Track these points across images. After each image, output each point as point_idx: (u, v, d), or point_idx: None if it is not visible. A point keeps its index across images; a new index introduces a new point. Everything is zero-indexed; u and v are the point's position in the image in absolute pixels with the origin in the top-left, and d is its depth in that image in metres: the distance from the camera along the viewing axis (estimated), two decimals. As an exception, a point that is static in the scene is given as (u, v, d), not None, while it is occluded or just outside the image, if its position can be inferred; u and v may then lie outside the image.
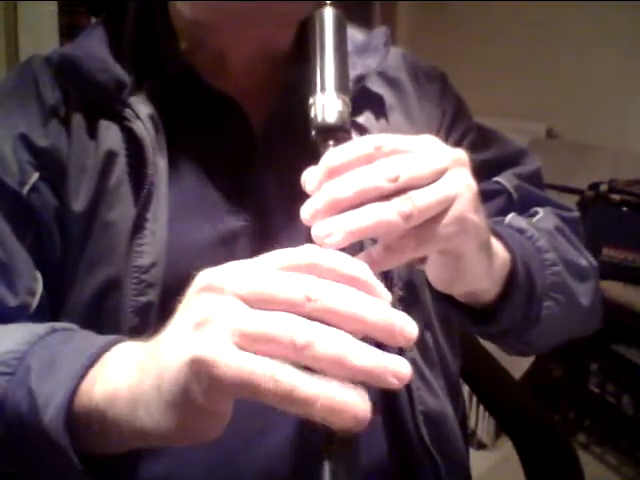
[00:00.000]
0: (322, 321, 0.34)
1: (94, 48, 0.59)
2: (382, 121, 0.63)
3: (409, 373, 0.33)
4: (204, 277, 0.36)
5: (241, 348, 0.34)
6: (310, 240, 0.38)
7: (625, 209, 1.81)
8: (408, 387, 0.58)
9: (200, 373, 0.34)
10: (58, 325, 0.50)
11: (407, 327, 0.34)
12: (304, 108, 0.48)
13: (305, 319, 0.33)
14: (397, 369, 0.33)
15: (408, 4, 2.94)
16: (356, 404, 0.32)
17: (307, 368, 0.33)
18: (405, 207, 0.38)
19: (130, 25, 0.61)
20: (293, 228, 0.55)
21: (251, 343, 0.33)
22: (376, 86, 0.64)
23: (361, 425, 0.32)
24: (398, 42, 2.77)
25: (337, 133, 0.45)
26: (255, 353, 0.33)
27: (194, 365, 0.34)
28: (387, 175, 0.39)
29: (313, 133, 0.46)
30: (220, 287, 0.35)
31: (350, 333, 0.34)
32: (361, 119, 0.61)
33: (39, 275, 0.56)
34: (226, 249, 0.56)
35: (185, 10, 0.59)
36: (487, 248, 0.48)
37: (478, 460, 1.81)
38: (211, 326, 0.34)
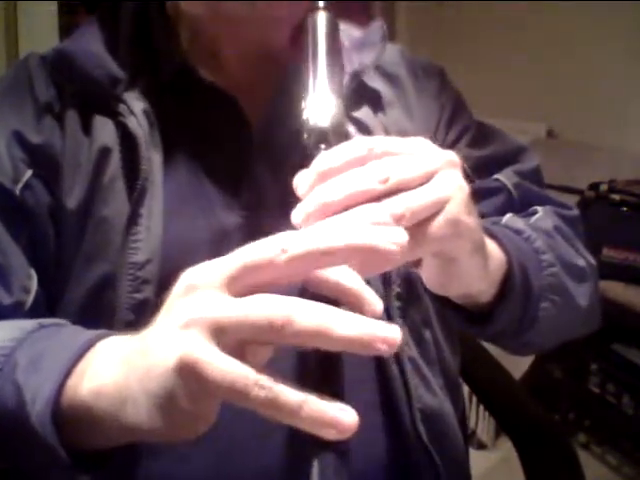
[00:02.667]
0: (308, 268, 0.34)
1: (89, 44, 0.59)
2: (380, 115, 0.63)
3: (399, 338, 0.33)
4: (186, 278, 0.36)
5: (228, 341, 0.34)
6: None
7: (625, 209, 1.80)
8: (406, 385, 0.58)
9: (187, 375, 0.34)
10: (46, 321, 0.50)
11: (393, 237, 0.34)
12: (300, 104, 0.48)
13: (281, 298, 0.33)
14: (386, 334, 0.32)
15: (407, 4, 2.94)
16: (340, 414, 0.32)
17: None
18: (397, 209, 0.38)
19: (126, 22, 0.61)
20: (289, 224, 0.55)
21: (234, 333, 0.33)
22: (374, 81, 0.64)
23: (346, 435, 0.32)
24: (397, 41, 2.77)
25: (329, 136, 0.46)
26: (246, 343, 0.34)
27: (181, 367, 0.34)
28: (378, 177, 0.39)
29: (305, 136, 0.46)
30: (201, 285, 0.35)
31: (344, 263, 0.34)
32: (359, 114, 0.61)
33: (34, 273, 0.56)
34: (221, 245, 0.56)
35: (186, 7, 0.59)
36: (481, 250, 0.48)
37: (478, 460, 1.80)
38: (195, 328, 0.34)
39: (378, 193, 0.39)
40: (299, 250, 0.33)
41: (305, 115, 0.47)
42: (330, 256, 0.34)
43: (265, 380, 0.32)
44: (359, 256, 0.34)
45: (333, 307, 0.33)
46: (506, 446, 1.80)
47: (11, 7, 1.82)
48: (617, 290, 1.72)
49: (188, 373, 0.34)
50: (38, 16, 1.86)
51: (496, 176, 0.69)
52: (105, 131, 0.57)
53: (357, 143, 0.41)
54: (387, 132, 0.62)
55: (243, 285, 0.34)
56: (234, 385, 0.33)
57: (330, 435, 0.32)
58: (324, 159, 0.40)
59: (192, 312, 0.35)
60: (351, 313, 0.33)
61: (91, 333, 0.45)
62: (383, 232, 0.34)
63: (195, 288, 0.35)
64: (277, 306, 0.33)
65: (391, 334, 0.32)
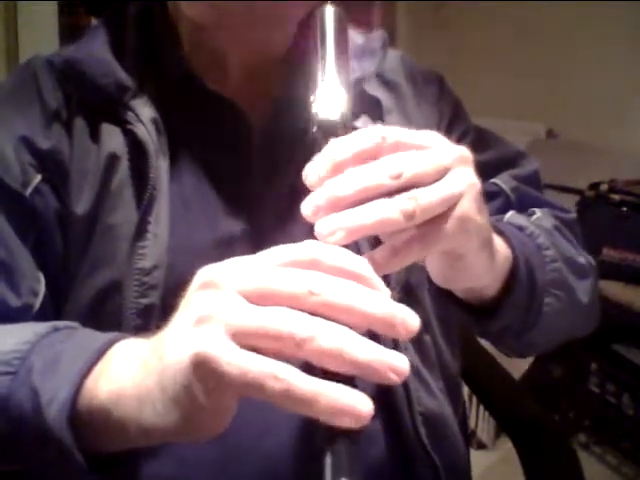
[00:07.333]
0: (324, 315, 0.34)
1: (96, 51, 0.59)
2: (379, 125, 0.63)
3: (407, 369, 0.34)
4: (205, 273, 0.37)
5: (241, 344, 0.34)
6: (311, 237, 0.39)
7: (625, 209, 1.81)
8: (406, 389, 0.58)
9: (201, 370, 0.34)
10: (60, 324, 0.50)
11: (408, 319, 0.35)
12: (302, 110, 0.48)
13: (305, 314, 0.34)
14: (396, 364, 0.33)
15: (408, 4, 2.94)
16: (357, 402, 0.33)
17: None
18: (408, 205, 0.38)
19: (131, 28, 0.61)
20: (292, 231, 0.55)
21: (251, 339, 0.34)
22: (374, 89, 0.64)
23: (362, 423, 0.33)
24: (398, 42, 2.78)
25: (338, 130, 0.45)
26: (256, 349, 0.34)
27: (195, 363, 0.34)
28: (390, 172, 0.38)
29: (314, 129, 0.46)
30: (221, 283, 0.35)
31: (352, 327, 0.34)
32: (358, 123, 0.61)
33: (41, 276, 0.56)
34: (225, 252, 0.56)
35: (187, 10, 0.59)
36: (488, 246, 0.48)
37: (478, 460, 1.80)
38: (211, 323, 0.34)
39: (390, 188, 0.38)
40: (330, 300, 0.34)
41: (314, 108, 0.46)
42: (353, 316, 0.34)
43: (279, 371, 0.33)
44: (379, 326, 0.35)
45: (351, 330, 0.34)
46: (506, 446, 1.80)
47: (11, 7, 1.82)
48: (617, 290, 1.72)
49: (203, 368, 0.34)
50: (38, 16, 1.86)
51: (493, 180, 0.69)
52: (113, 138, 0.57)
53: (368, 133, 0.40)
54: None
55: (261, 302, 0.35)
56: (248, 377, 0.33)
57: (346, 423, 0.32)
58: (334, 149, 0.40)
59: (209, 308, 0.35)
60: (367, 339, 0.34)
61: (107, 336, 0.45)
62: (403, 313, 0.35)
63: (214, 285, 0.35)
64: (301, 322, 0.33)
65: (400, 364, 0.34)
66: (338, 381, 0.33)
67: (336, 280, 0.35)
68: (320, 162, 0.40)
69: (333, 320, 0.34)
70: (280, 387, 0.32)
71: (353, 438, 0.33)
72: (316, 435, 0.34)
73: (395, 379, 0.33)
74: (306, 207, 0.39)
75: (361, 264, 0.37)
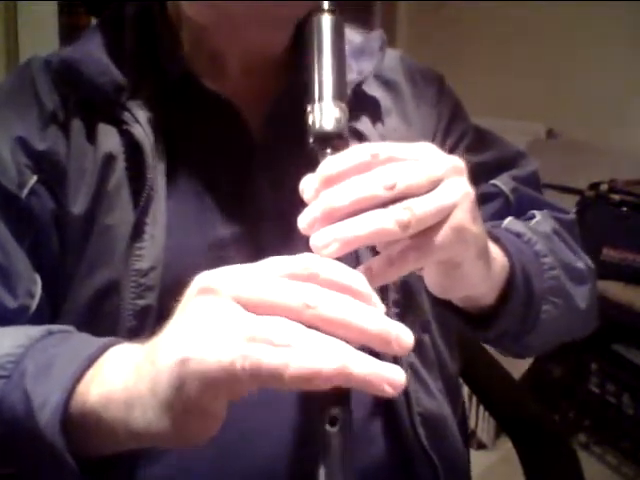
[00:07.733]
0: (319, 329, 0.34)
1: (93, 51, 0.59)
2: (379, 125, 0.63)
3: (404, 381, 0.34)
4: (202, 279, 0.37)
5: None
6: (308, 247, 0.39)
7: (625, 209, 1.81)
8: (405, 389, 0.57)
9: (186, 371, 0.34)
10: (54, 328, 0.50)
11: (403, 336, 0.35)
12: (301, 112, 0.48)
13: (301, 325, 0.34)
14: (392, 377, 0.34)
15: (408, 4, 2.94)
16: (323, 363, 0.33)
17: None
18: (403, 216, 0.38)
19: (129, 28, 0.61)
20: (289, 233, 0.55)
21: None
22: (372, 89, 0.64)
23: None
24: (398, 42, 2.78)
25: (334, 140, 0.45)
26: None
27: (185, 364, 0.34)
28: (384, 183, 0.39)
29: (310, 141, 0.46)
30: (218, 289, 0.35)
31: (346, 341, 0.34)
32: (358, 124, 0.61)
33: (38, 277, 0.56)
34: (222, 254, 0.57)
35: (187, 10, 0.59)
36: (485, 255, 0.48)
37: (478, 460, 1.80)
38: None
39: (385, 199, 0.39)
40: (325, 314, 0.34)
41: (310, 119, 0.46)
42: (348, 331, 0.35)
43: (248, 350, 0.33)
44: (374, 341, 0.35)
45: (349, 346, 0.34)
46: (506, 446, 1.80)
47: (11, 7, 1.82)
48: (617, 290, 1.72)
49: (187, 368, 0.34)
50: (38, 16, 1.86)
51: (493, 182, 0.69)
52: (109, 138, 0.57)
53: (363, 149, 0.41)
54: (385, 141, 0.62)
55: (257, 311, 0.35)
56: (223, 368, 0.33)
57: (319, 385, 0.33)
58: (329, 164, 0.40)
59: (208, 314, 0.35)
60: (362, 353, 0.34)
61: (100, 341, 0.45)
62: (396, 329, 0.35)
63: (211, 291, 0.36)
64: (299, 335, 0.34)
65: (397, 377, 0.34)
66: (334, 394, 0.34)
67: (332, 294, 0.35)
68: (315, 177, 0.41)
69: (328, 334, 0.34)
70: (249, 365, 0.33)
71: (347, 431, 0.34)
72: (310, 439, 0.34)
73: (391, 392, 0.34)
74: (302, 220, 0.40)
75: (357, 279, 0.37)
